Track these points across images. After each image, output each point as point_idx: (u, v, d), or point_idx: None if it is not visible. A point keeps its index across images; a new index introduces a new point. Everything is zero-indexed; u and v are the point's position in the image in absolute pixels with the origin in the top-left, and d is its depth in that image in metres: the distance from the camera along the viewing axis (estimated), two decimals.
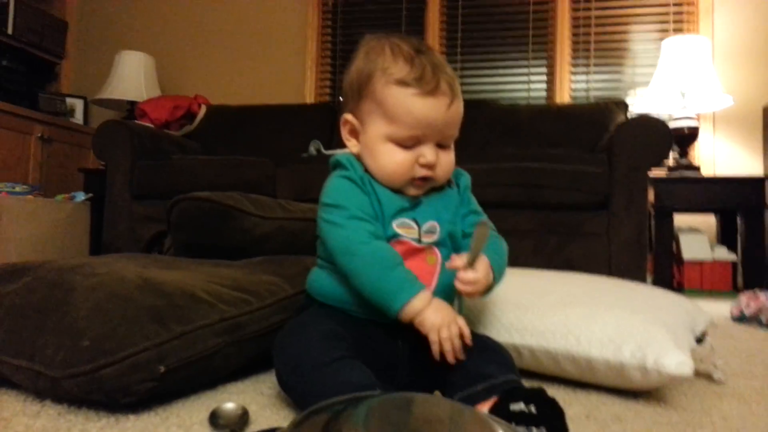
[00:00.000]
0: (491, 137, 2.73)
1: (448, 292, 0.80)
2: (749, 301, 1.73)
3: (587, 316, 0.89)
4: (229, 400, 0.74)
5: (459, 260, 0.75)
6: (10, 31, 3.30)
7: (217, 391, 0.81)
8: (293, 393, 0.73)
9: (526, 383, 0.72)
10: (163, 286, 0.81)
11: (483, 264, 0.76)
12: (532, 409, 0.64)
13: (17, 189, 2.57)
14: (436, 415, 0.58)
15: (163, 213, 2.30)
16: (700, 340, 1.00)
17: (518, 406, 0.64)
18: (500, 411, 0.64)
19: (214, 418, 0.66)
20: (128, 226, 2.46)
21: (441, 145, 0.80)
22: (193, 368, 0.76)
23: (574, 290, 0.99)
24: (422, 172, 0.79)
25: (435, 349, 0.72)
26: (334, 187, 0.80)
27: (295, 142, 2.82)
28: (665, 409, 0.80)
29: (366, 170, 0.81)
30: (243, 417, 0.67)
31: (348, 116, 0.83)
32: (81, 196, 2.71)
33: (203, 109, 3.15)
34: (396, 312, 0.72)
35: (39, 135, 3.27)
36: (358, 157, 0.83)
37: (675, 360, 0.78)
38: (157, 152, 2.57)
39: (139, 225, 2.46)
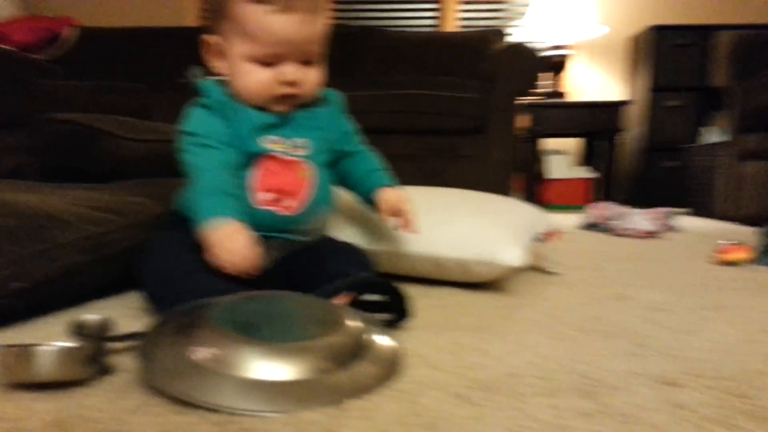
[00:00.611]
0: (379, 64, 2.75)
1: (318, 206, 0.86)
2: (597, 211, 1.95)
3: (441, 221, 0.98)
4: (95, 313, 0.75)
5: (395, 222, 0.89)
6: None
7: (84, 309, 0.82)
8: (159, 303, 0.76)
9: None
10: (20, 206, 0.79)
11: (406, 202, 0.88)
12: (386, 298, 0.73)
13: None
14: (288, 307, 0.64)
15: (29, 142, 2.14)
16: (539, 240, 1.14)
17: (371, 297, 0.73)
18: (356, 302, 0.72)
19: (77, 328, 0.68)
20: None
21: (306, 62, 0.82)
22: (54, 286, 0.76)
23: (434, 200, 1.09)
24: (284, 90, 0.81)
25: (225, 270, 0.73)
26: (188, 115, 0.83)
27: (174, 68, 2.68)
28: (501, 295, 0.93)
29: (232, 92, 0.83)
30: (106, 326, 0.69)
31: (210, 38, 0.83)
32: None
33: (73, 32, 2.88)
34: (199, 221, 0.75)
35: None
36: (224, 82, 0.83)
37: (510, 254, 0.90)
38: (20, 77, 2.34)
39: (1, 155, 2.27)
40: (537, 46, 2.56)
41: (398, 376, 0.56)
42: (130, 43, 2.86)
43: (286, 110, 0.84)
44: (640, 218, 1.78)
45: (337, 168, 0.93)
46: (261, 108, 0.83)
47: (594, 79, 3.44)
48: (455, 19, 3.35)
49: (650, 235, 1.74)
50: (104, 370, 0.55)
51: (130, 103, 2.24)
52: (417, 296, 0.79)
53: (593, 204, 2.04)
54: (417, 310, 0.75)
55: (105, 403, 0.49)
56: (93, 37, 2.88)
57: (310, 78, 0.83)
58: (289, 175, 0.83)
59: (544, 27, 2.99)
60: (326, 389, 0.52)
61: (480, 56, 2.68)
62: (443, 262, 0.95)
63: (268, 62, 0.80)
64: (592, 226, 1.95)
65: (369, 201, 0.93)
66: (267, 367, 0.52)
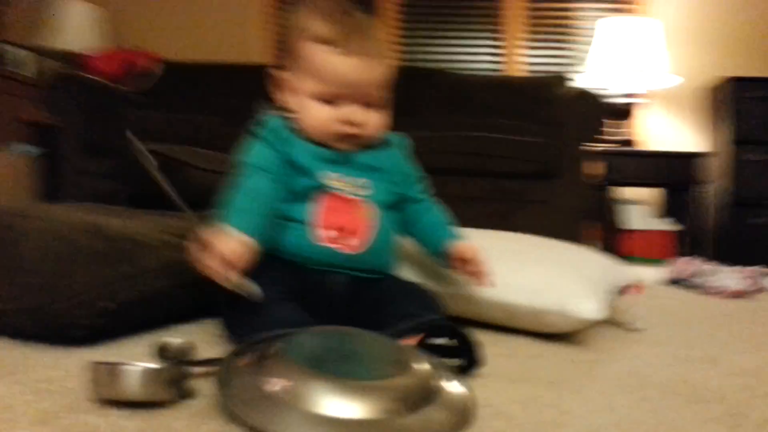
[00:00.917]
0: (440, 106, 2.79)
1: (381, 246, 0.86)
2: (684, 266, 1.85)
3: (514, 268, 0.96)
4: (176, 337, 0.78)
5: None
6: None
7: (166, 331, 0.85)
8: (235, 331, 0.78)
9: None
10: (111, 231, 0.84)
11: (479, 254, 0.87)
12: (454, 342, 0.71)
13: None
14: (360, 345, 0.64)
15: (115, 169, 2.29)
16: (620, 293, 1.09)
17: (440, 341, 0.71)
18: (424, 345, 0.71)
19: (161, 350, 0.71)
20: (75, 181, 2.44)
21: (368, 104, 0.84)
22: (140, 308, 0.80)
23: (506, 246, 1.07)
24: (345, 129, 0.84)
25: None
26: (245, 146, 0.87)
27: (249, 102, 2.81)
28: (577, 348, 0.89)
29: (294, 126, 0.86)
30: (188, 350, 0.72)
31: (279, 73, 0.88)
32: (21, 148, 2.64)
33: (158, 66, 3.08)
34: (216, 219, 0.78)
35: None
36: (290, 114, 0.87)
37: (587, 306, 0.87)
38: (110, 108, 2.53)
39: (90, 181, 2.43)
40: (602, 92, 2.52)
41: (469, 425, 0.54)
42: (211, 77, 3.03)
43: (348, 148, 0.86)
44: (729, 276, 1.67)
45: (401, 214, 0.93)
46: (323, 145, 0.85)
47: (669, 129, 3.32)
48: (518, 63, 3.34)
49: (740, 294, 1.63)
50: (185, 394, 0.57)
51: (208, 135, 2.37)
52: (486, 343, 0.77)
53: (676, 258, 1.94)
54: (487, 358, 0.73)
55: (190, 427, 0.51)
56: (174, 71, 3.06)
57: (372, 120, 0.85)
58: (350, 213, 0.84)
59: (610, 74, 2.94)
60: (396, 431, 0.51)
61: (544, 101, 2.66)
62: (515, 310, 0.92)
63: (331, 101, 0.83)
64: (675, 282, 1.85)
65: (436, 254, 0.92)
66: (339, 404, 0.52)
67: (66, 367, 0.66)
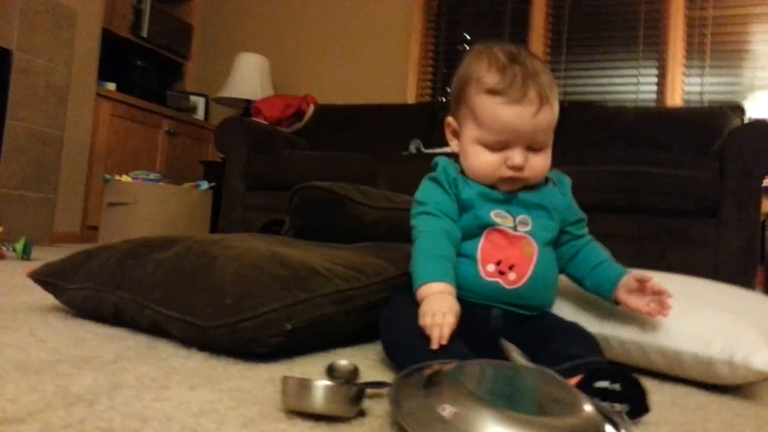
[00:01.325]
0: (596, 140, 2.71)
1: (541, 283, 0.87)
2: None
3: (679, 312, 0.91)
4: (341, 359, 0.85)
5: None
6: (144, 34, 3.68)
7: (331, 353, 0.93)
8: (395, 358, 0.83)
9: None
10: (288, 259, 0.94)
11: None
12: (616, 387, 0.70)
13: (151, 176, 2.89)
14: (528, 379, 0.66)
15: (273, 203, 2.50)
16: None
17: (603, 384, 0.70)
18: (585, 387, 0.70)
19: (331, 370, 0.78)
20: (241, 215, 2.71)
21: (532, 148, 0.87)
22: (313, 330, 0.88)
23: (668, 287, 1.02)
24: (509, 173, 0.87)
25: (425, 331, 0.76)
26: (421, 186, 0.93)
27: (397, 140, 2.94)
28: (751, 403, 0.83)
29: (462, 170, 0.90)
30: (355, 372, 0.78)
31: (449, 119, 0.94)
32: (205, 185, 3.00)
33: (311, 108, 3.35)
34: (414, 292, 0.82)
35: (166, 129, 3.63)
36: (457, 157, 0.92)
37: (763, 357, 0.80)
38: (269, 147, 2.79)
39: (251, 213, 2.69)
40: None
41: None
42: (358, 117, 3.23)
43: (511, 190, 0.88)
44: None
45: (561, 253, 0.94)
46: (487, 185, 0.89)
47: None
48: (680, 93, 3.13)
49: None
50: (362, 413, 0.62)
51: (359, 172, 2.51)
52: (649, 390, 0.75)
53: None
54: (652, 406, 0.70)
55: None
56: (326, 113, 3.31)
57: (536, 164, 0.87)
58: (513, 248, 0.86)
59: None
60: None
61: (712, 133, 2.48)
62: (679, 357, 0.88)
63: (495, 147, 0.86)
64: None
65: (599, 290, 0.92)
66: None
67: (253, 379, 0.75)
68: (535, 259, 0.87)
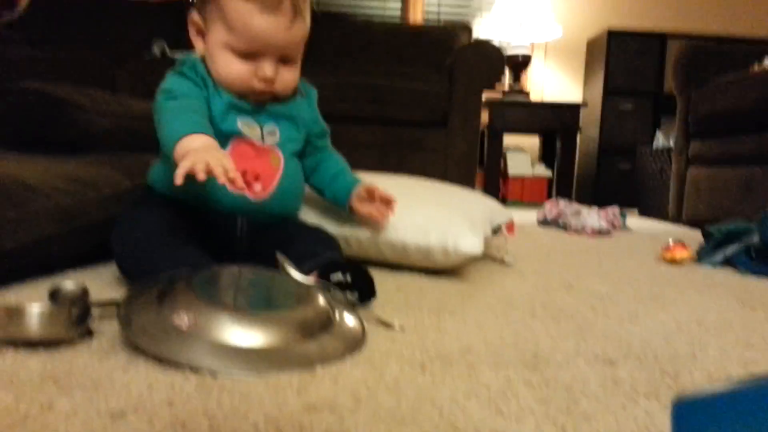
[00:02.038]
0: (344, 51, 2.78)
1: (287, 194, 0.89)
2: (552, 208, 2.04)
3: (406, 209, 1.03)
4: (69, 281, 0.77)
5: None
6: None
7: (58, 276, 0.84)
8: (132, 273, 0.79)
9: None
10: None
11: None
12: (348, 277, 0.77)
13: None
14: (262, 281, 0.68)
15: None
16: (496, 232, 1.21)
17: (337, 276, 0.77)
18: (324, 281, 0.76)
19: (54, 294, 0.70)
20: None
21: (283, 60, 0.85)
22: (30, 253, 0.78)
23: (398, 188, 1.13)
24: (260, 86, 0.84)
25: (181, 172, 0.68)
26: (167, 79, 0.84)
27: (138, 40, 2.63)
28: (459, 281, 0.99)
29: (209, 74, 0.85)
30: (84, 293, 0.72)
31: (195, 16, 0.85)
32: None
33: None
34: (172, 148, 0.73)
35: None
36: (203, 60, 0.86)
37: (468, 242, 0.96)
38: None
39: None
40: (502, 43, 2.63)
41: (361, 350, 0.61)
42: (93, 12, 2.79)
43: (260, 101, 0.87)
44: (592, 216, 1.87)
45: (305, 164, 0.97)
46: (236, 94, 0.85)
47: (553, 80, 3.55)
48: (421, 11, 3.38)
49: (601, 232, 1.84)
50: (85, 334, 0.58)
51: (93, 75, 2.21)
52: (380, 279, 0.84)
53: (549, 201, 2.13)
54: (380, 292, 0.80)
55: (94, 362, 0.52)
56: (49, 3, 2.79)
57: (287, 76, 0.86)
58: (260, 160, 0.86)
59: (508, 25, 3.07)
60: (297, 356, 0.56)
61: (445, 50, 2.74)
62: (407, 248, 1.00)
63: (246, 56, 0.82)
64: (547, 223, 2.04)
65: (336, 199, 0.97)
66: (241, 333, 0.55)
67: None
68: (281, 170, 0.88)
